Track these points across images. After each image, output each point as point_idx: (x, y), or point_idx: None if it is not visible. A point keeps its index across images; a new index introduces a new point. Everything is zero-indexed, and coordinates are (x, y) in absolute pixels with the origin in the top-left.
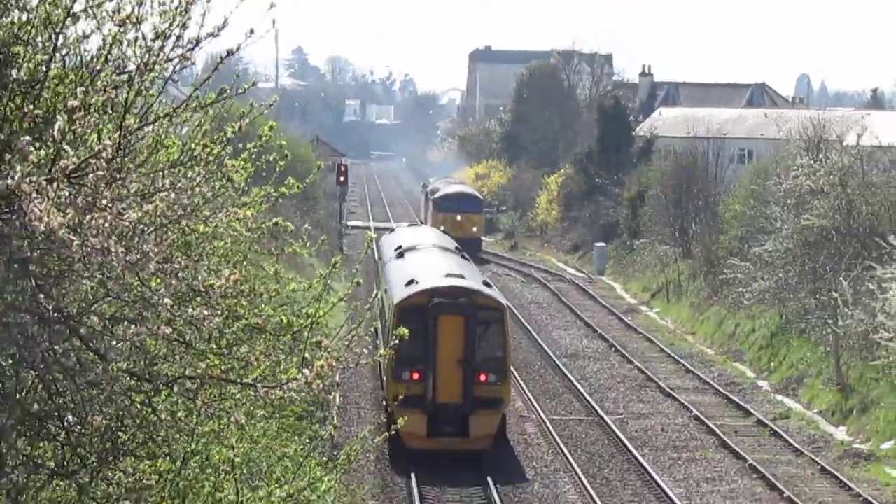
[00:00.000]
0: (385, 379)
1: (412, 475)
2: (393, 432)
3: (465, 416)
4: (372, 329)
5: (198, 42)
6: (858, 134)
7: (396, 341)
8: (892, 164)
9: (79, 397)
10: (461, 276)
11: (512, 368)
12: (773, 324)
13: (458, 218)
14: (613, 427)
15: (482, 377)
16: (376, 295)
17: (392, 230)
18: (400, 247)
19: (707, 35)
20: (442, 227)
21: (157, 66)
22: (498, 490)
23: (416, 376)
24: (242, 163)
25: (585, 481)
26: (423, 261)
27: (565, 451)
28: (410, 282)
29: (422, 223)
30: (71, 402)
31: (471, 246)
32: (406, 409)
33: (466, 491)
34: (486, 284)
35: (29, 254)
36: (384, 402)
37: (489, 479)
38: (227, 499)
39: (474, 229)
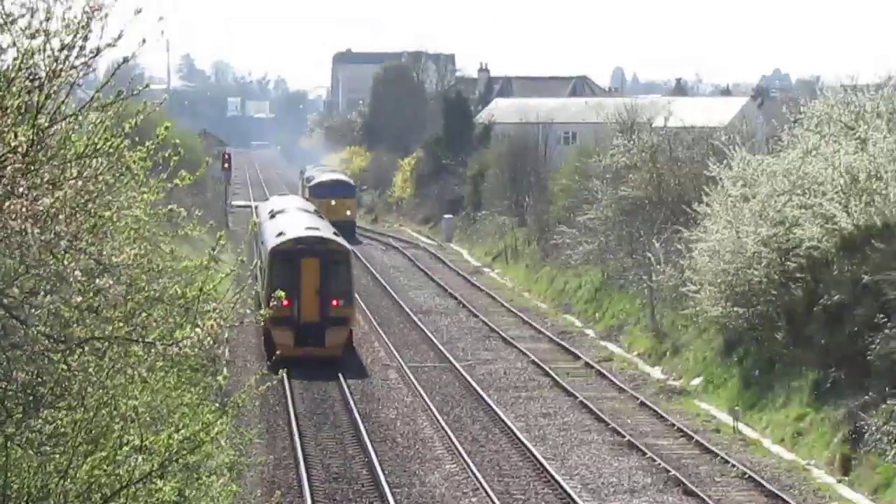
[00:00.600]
0: (262, 304)
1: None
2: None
3: (323, 331)
4: (254, 292)
5: (98, 51)
6: (665, 117)
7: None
8: (695, 142)
9: (3, 358)
10: (317, 229)
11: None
12: (597, 280)
13: (333, 203)
14: (463, 372)
15: (334, 302)
16: (256, 263)
17: (267, 199)
18: (272, 210)
19: (536, 34)
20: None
21: (63, 73)
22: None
23: (285, 302)
24: (140, 154)
25: (440, 418)
26: (290, 219)
27: (423, 393)
28: (280, 233)
29: None
30: None
31: (346, 227)
32: (278, 326)
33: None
34: (336, 235)
35: None
36: (262, 323)
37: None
38: (133, 442)
39: (348, 212)
